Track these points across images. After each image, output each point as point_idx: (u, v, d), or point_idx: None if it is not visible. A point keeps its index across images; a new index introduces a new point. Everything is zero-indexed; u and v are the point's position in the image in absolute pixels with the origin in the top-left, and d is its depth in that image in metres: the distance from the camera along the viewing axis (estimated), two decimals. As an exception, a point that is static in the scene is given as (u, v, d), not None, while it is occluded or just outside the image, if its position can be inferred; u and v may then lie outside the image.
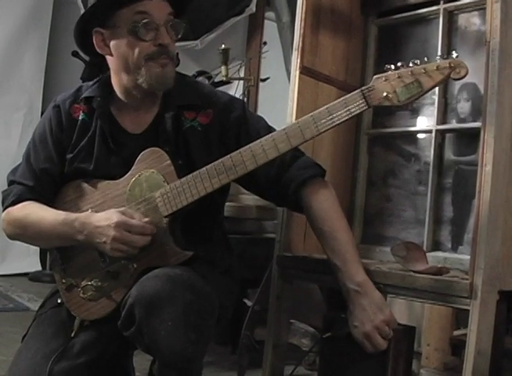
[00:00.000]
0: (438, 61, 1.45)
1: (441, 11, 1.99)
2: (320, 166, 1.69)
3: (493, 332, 1.57)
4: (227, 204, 1.90)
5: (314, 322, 2.55)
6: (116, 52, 1.60)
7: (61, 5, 4.77)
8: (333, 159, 2.14)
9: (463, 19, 1.97)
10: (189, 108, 1.65)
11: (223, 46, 3.21)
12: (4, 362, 1.61)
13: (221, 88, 2.72)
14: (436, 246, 1.95)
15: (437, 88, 1.91)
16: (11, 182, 1.71)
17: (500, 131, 1.58)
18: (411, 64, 1.46)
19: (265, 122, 1.70)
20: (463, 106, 1.93)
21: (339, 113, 1.48)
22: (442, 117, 1.98)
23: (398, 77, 1.46)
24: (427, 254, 1.80)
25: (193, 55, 4.65)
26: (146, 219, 1.53)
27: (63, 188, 1.68)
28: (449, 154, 1.95)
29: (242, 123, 1.66)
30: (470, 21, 1.95)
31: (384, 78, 1.47)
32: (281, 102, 2.32)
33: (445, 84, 1.93)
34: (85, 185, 1.65)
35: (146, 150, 1.58)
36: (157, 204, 1.55)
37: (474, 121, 1.88)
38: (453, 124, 1.95)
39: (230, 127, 1.65)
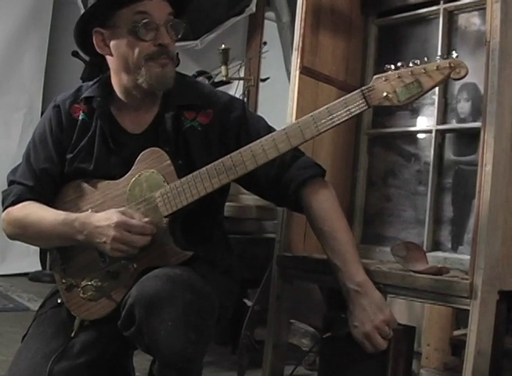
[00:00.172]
0: (438, 61, 1.45)
1: (441, 11, 1.99)
2: (320, 166, 1.69)
3: (493, 332, 1.57)
4: (227, 204, 1.90)
5: (314, 322, 2.55)
6: (116, 52, 1.60)
7: (61, 5, 4.77)
8: (333, 159, 2.14)
9: (463, 19, 1.97)
10: (189, 108, 1.65)
11: (223, 46, 3.21)
12: (4, 362, 1.61)
13: (221, 88, 2.72)
14: (436, 246, 1.95)
15: (437, 88, 1.91)
16: (11, 182, 1.71)
17: (500, 131, 1.58)
18: (411, 64, 1.46)
19: (265, 122, 1.70)
20: (463, 106, 1.93)
21: (339, 113, 1.48)
22: (442, 117, 1.97)
23: (398, 77, 1.46)
24: (427, 254, 1.80)
25: (193, 55, 4.65)
26: (146, 219, 1.53)
27: (62, 188, 1.68)
28: (449, 154, 1.95)
29: (242, 123, 1.66)
30: (470, 21, 1.95)
31: (383, 78, 1.47)
32: (281, 102, 2.32)
33: (445, 85, 1.93)
34: (85, 185, 1.65)
35: (145, 150, 1.58)
36: (157, 204, 1.55)
37: (474, 121, 1.88)
38: (453, 124, 1.95)
39: (230, 127, 1.65)
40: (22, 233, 1.66)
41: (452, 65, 1.44)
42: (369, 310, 1.54)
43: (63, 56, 4.70)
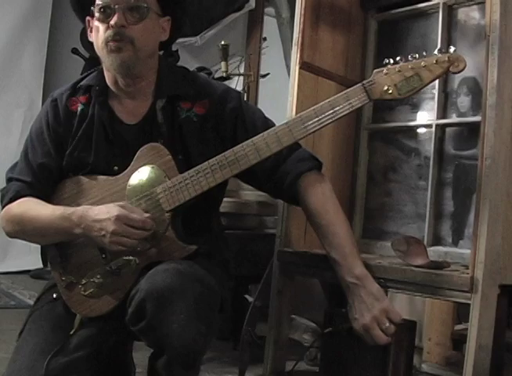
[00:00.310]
0: (437, 55, 1.45)
1: (441, 5, 1.99)
2: (317, 159, 1.68)
3: (494, 326, 1.57)
4: (228, 199, 1.91)
5: (315, 317, 2.56)
6: (93, 40, 1.61)
7: (61, 2, 4.77)
8: (334, 154, 2.14)
9: (462, 13, 1.97)
10: (185, 98, 1.64)
11: (223, 42, 3.21)
12: (5, 359, 1.60)
13: (221, 85, 2.71)
14: (437, 240, 1.95)
15: (437, 83, 1.92)
16: (9, 180, 1.68)
17: (500, 124, 1.58)
18: (410, 58, 1.47)
19: (261, 113, 1.69)
20: (463, 101, 1.93)
21: (341, 106, 1.49)
22: (442, 112, 1.98)
23: (399, 71, 1.46)
24: (428, 248, 1.80)
25: (193, 51, 4.66)
26: (147, 215, 1.52)
27: (61, 184, 1.66)
28: (450, 149, 1.95)
29: (238, 114, 1.65)
30: (469, 15, 1.95)
31: (384, 72, 1.47)
32: (281, 97, 2.32)
33: (445, 79, 1.94)
34: (84, 180, 1.63)
35: (145, 146, 1.57)
36: (159, 199, 1.54)
37: (474, 115, 1.88)
38: (453, 119, 1.95)
39: (226, 118, 1.64)
40: (20, 229, 1.64)
41: (451, 59, 1.45)
42: (367, 301, 1.52)
43: (63, 53, 4.71)
